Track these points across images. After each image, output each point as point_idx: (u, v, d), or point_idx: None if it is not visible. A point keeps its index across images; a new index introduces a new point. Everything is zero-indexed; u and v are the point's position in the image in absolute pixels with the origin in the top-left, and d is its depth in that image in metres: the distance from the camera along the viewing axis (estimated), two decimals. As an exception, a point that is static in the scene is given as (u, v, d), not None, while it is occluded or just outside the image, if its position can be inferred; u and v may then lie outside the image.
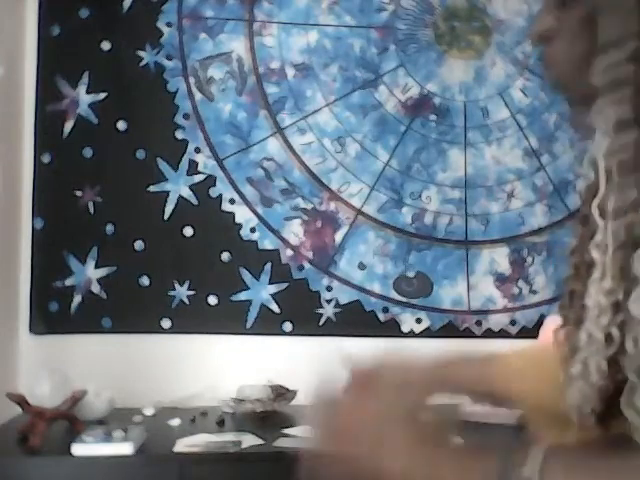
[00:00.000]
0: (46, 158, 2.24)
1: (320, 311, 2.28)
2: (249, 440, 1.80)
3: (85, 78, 2.25)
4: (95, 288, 2.24)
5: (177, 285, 2.25)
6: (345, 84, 2.32)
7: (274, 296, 2.28)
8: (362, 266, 2.30)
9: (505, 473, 0.64)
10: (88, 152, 2.25)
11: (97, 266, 2.24)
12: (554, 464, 0.64)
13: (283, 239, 2.29)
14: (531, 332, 2.24)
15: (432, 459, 0.69)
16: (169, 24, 2.28)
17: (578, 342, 0.74)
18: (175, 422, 1.97)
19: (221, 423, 1.96)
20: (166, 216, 2.26)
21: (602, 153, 0.73)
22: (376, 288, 2.30)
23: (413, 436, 0.70)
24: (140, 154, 2.26)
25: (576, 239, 0.81)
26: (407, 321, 2.31)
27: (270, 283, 2.28)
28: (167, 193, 2.26)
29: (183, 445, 1.76)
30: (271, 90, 2.30)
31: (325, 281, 2.30)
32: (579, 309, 0.77)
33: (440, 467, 0.68)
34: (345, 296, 2.30)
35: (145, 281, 2.25)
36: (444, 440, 0.72)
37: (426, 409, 0.79)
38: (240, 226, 2.28)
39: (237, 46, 2.30)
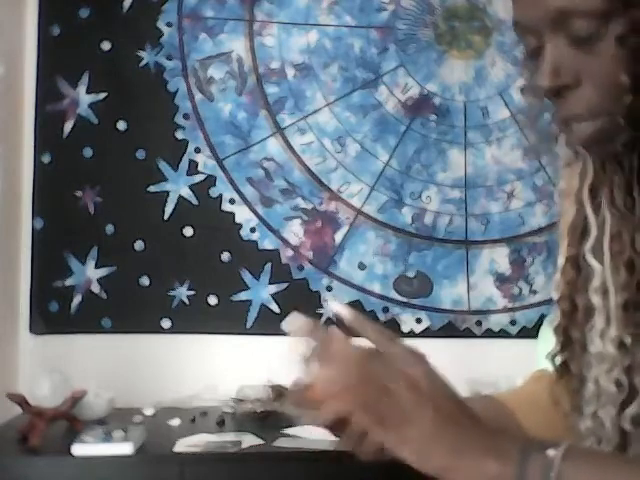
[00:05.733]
0: (46, 158, 2.24)
1: (320, 311, 2.27)
2: (249, 440, 1.80)
3: (85, 78, 2.25)
4: (95, 288, 2.24)
5: (177, 285, 2.25)
6: (345, 84, 2.32)
7: (274, 296, 2.28)
8: (362, 266, 2.30)
9: (525, 456, 0.58)
10: (88, 152, 2.25)
11: (97, 266, 2.24)
12: (577, 451, 0.59)
13: (283, 239, 2.29)
14: (531, 332, 2.24)
15: (453, 445, 0.60)
16: (169, 24, 2.28)
17: (583, 395, 0.69)
18: (175, 422, 1.97)
19: (221, 423, 1.96)
20: (166, 216, 2.26)
21: (587, 187, 0.68)
22: (376, 288, 2.30)
23: (437, 414, 0.61)
24: (140, 154, 2.26)
25: (565, 283, 0.73)
26: (407, 321, 2.31)
27: (270, 283, 2.27)
28: (167, 193, 2.26)
29: (183, 445, 1.76)
30: (271, 90, 2.30)
31: (325, 281, 2.30)
32: (579, 358, 0.71)
33: (458, 456, 0.60)
34: (345, 296, 2.30)
35: (145, 281, 2.25)
36: (466, 424, 0.61)
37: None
38: (240, 226, 2.28)
39: (237, 46, 2.30)
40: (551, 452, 0.58)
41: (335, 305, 0.65)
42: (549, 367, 0.80)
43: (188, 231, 2.26)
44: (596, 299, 0.67)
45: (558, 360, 0.76)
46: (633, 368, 0.63)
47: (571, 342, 0.73)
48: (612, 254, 0.66)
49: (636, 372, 0.63)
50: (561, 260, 0.75)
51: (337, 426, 0.64)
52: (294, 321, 0.66)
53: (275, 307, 2.27)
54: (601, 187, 0.68)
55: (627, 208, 0.65)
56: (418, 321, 2.32)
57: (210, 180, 2.28)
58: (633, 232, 0.64)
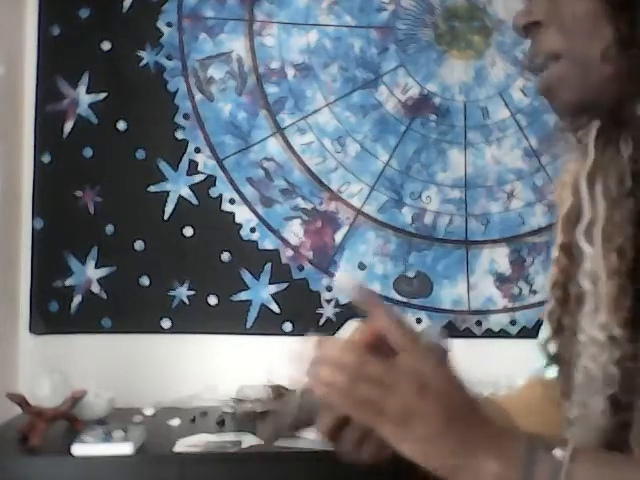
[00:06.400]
0: (46, 158, 2.24)
1: (320, 311, 2.27)
2: (249, 440, 1.80)
3: (85, 78, 2.25)
4: (95, 288, 2.24)
5: (177, 285, 2.25)
6: (345, 84, 2.32)
7: (274, 296, 2.27)
8: (362, 266, 2.30)
9: (532, 457, 0.58)
10: (88, 152, 2.25)
11: (97, 266, 2.24)
12: (584, 452, 0.59)
13: (283, 239, 2.29)
14: (531, 332, 2.24)
15: (458, 444, 0.59)
16: (169, 24, 2.28)
17: (573, 382, 0.69)
18: (175, 422, 1.97)
19: (221, 423, 1.96)
20: (166, 216, 2.26)
21: (585, 173, 0.69)
22: (376, 288, 2.30)
23: (442, 413, 0.60)
24: (140, 154, 2.26)
25: (559, 271, 0.74)
26: (407, 321, 2.31)
27: (270, 283, 2.27)
28: (167, 193, 2.26)
29: (183, 445, 1.76)
30: (271, 90, 2.30)
31: (325, 281, 2.29)
32: (569, 345, 0.71)
33: (462, 456, 0.59)
34: (345, 296, 2.30)
35: (145, 281, 2.25)
36: (474, 422, 0.61)
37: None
38: (240, 226, 2.28)
39: (237, 46, 2.30)
40: (558, 453, 0.58)
41: (343, 279, 0.64)
42: (543, 373, 0.80)
43: (188, 231, 2.26)
44: (586, 284, 0.67)
45: (550, 347, 0.76)
46: (625, 359, 0.63)
47: (563, 329, 0.73)
48: (603, 239, 0.66)
49: (628, 363, 0.63)
50: (556, 250, 0.75)
51: (336, 433, 0.63)
52: (344, 280, 0.64)
53: (275, 307, 2.27)
54: (598, 173, 0.68)
55: (620, 195, 0.65)
56: (418, 321, 2.31)
57: (210, 180, 2.28)
58: (624, 219, 0.64)
